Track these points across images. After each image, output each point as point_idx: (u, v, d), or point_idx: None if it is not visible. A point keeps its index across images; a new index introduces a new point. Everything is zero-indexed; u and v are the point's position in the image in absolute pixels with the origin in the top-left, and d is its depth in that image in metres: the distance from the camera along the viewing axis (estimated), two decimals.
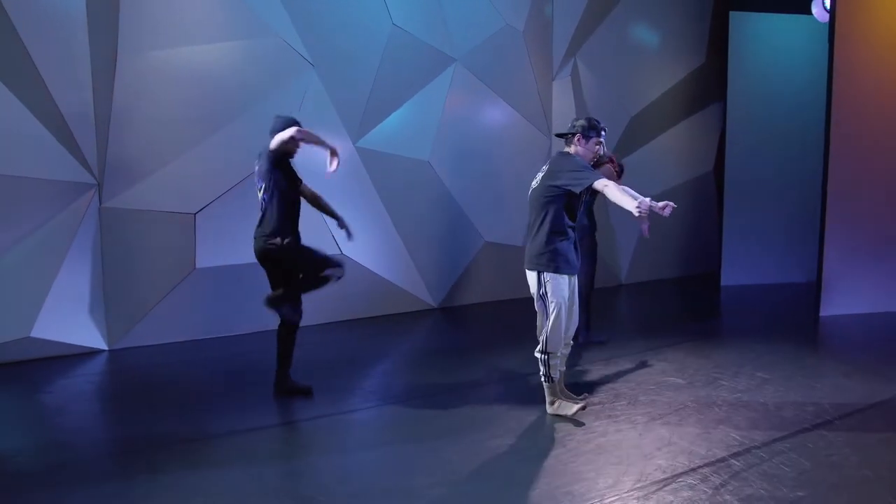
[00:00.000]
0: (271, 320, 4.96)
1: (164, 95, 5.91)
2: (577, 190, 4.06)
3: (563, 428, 4.19)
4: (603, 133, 4.29)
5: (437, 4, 7.18)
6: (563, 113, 8.21)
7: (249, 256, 4.76)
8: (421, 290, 7.49)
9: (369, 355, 5.92)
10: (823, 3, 7.22)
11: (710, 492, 3.36)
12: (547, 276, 4.13)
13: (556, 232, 4.12)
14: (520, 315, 7.41)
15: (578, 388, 4.78)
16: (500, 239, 7.92)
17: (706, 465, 3.66)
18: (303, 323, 4.80)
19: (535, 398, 4.65)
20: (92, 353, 5.84)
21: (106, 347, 5.92)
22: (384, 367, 5.71)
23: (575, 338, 6.09)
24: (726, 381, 5.04)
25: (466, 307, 7.70)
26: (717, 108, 9.38)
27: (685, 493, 3.35)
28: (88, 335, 5.84)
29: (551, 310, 4.15)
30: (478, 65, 7.51)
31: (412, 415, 4.47)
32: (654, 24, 8.76)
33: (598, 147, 4.27)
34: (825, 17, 7.23)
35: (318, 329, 6.50)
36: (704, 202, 9.55)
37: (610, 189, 3.97)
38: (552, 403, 4.34)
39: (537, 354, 4.24)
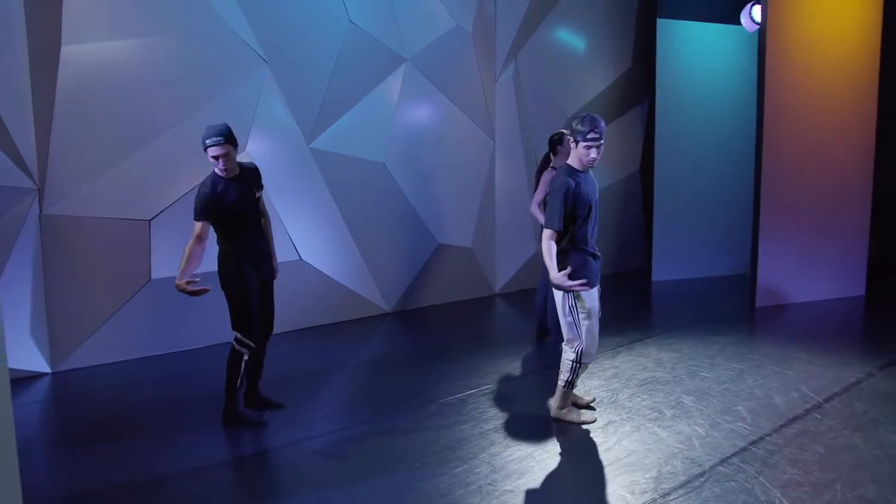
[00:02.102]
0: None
1: (111, 91, 5.41)
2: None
3: (582, 430, 4.20)
4: (592, 130, 3.93)
5: (389, 3, 7.02)
6: (506, 115, 8.29)
7: (211, 264, 4.33)
8: (374, 295, 7.30)
9: (333, 367, 5.61)
10: (751, 15, 7.69)
11: (750, 480, 3.48)
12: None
13: (580, 247, 4.08)
14: (474, 317, 7.43)
15: None
16: (452, 241, 7.86)
17: (733, 454, 3.79)
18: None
19: (528, 402, 4.70)
20: (32, 377, 5.26)
21: (49, 370, 5.35)
22: (359, 379, 5.48)
23: (544, 335, 6.22)
24: (706, 372, 5.26)
25: (420, 311, 7.58)
26: (641, 111, 9.80)
27: (729, 484, 3.45)
28: (28, 357, 5.25)
29: (582, 323, 4.09)
30: (427, 65, 7.41)
31: (412, 430, 4.25)
32: (585, 29, 9.01)
33: (587, 147, 3.96)
34: (753, 28, 7.71)
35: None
36: (632, 201, 9.93)
37: (544, 241, 4.01)
38: (561, 408, 4.33)
39: (567, 362, 4.18)
